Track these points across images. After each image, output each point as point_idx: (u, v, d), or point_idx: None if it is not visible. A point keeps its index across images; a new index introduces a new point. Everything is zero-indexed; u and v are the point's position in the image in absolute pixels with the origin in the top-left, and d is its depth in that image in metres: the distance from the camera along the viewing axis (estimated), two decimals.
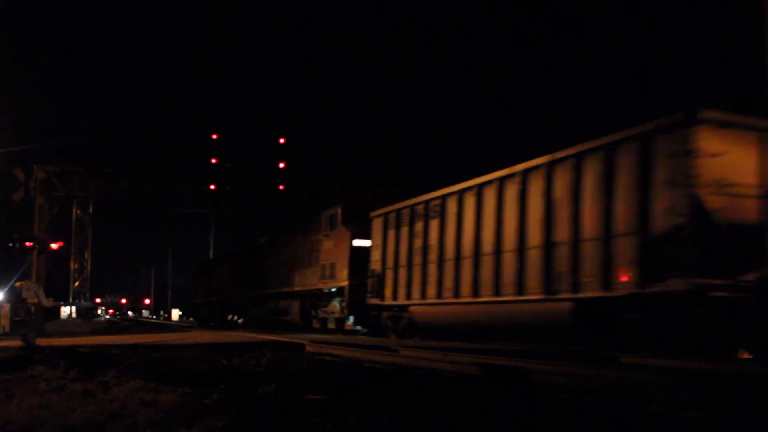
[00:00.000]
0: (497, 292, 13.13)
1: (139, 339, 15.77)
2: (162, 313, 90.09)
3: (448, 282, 14.76)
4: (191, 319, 54.59)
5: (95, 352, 11.21)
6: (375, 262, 18.10)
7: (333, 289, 20.90)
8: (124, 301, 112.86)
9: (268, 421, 4.68)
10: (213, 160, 29.48)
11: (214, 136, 29.03)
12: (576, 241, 11.32)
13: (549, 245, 11.90)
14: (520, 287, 12.50)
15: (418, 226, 16.21)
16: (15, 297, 22.38)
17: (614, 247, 10.54)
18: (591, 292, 10.92)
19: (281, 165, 29.78)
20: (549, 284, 11.81)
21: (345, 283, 19.98)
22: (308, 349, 12.01)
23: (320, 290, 21.75)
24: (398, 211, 17.26)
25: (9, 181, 28.57)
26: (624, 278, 10.34)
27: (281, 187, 30.42)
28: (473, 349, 11.03)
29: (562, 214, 11.71)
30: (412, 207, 16.63)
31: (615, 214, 10.65)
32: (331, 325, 20.94)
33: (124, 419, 4.64)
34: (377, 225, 18.21)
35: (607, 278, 10.62)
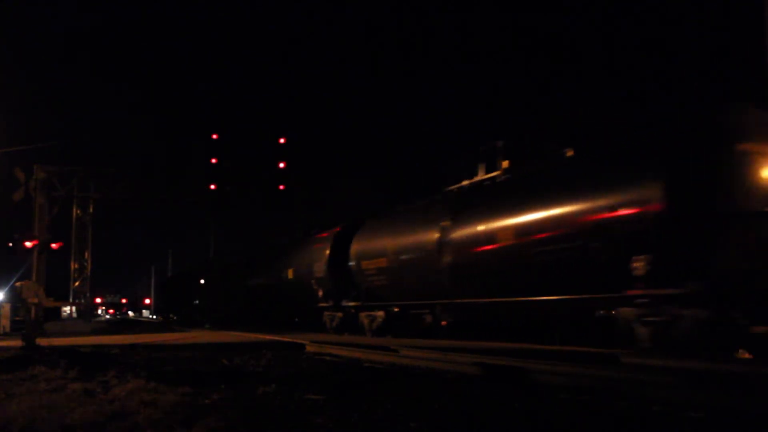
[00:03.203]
0: None
1: (139, 339, 15.77)
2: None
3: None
4: (156, 316, 75.90)
5: (95, 351, 11.23)
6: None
7: (197, 302, 40.61)
8: (124, 301, 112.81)
9: (268, 421, 4.68)
10: (213, 160, 29.37)
11: (214, 136, 28.93)
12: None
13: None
14: None
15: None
16: (15, 297, 22.38)
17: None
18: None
19: (281, 165, 29.67)
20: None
21: (197, 302, 40.53)
22: (308, 349, 12.01)
23: (197, 304, 40.24)
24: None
25: (9, 181, 28.55)
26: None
27: (281, 187, 30.33)
28: (474, 348, 11.02)
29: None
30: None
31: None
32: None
33: (125, 419, 4.64)
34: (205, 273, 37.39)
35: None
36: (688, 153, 9.63)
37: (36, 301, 17.23)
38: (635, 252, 9.70)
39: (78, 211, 34.82)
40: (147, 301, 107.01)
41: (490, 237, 12.96)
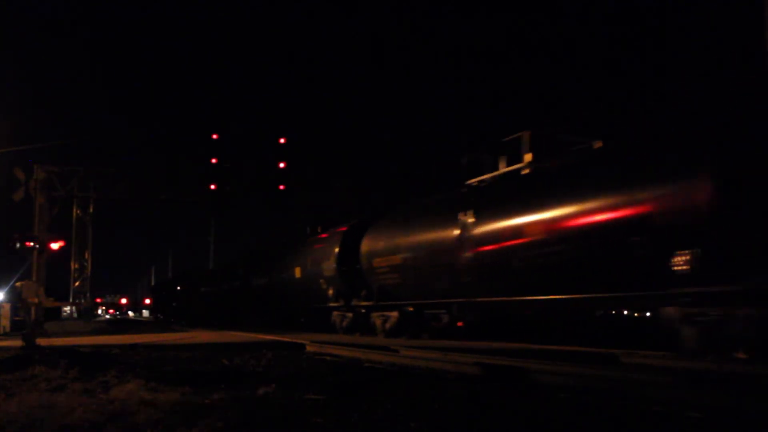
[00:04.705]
0: None
1: (139, 339, 15.77)
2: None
3: None
4: (149, 315, 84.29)
5: (95, 351, 11.22)
6: None
7: (174, 304, 49.86)
8: (124, 301, 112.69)
9: (268, 421, 4.68)
10: (213, 160, 29.35)
11: (214, 136, 28.90)
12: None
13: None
14: None
15: None
16: (15, 297, 22.39)
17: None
18: None
19: (281, 165, 29.65)
20: None
21: (174, 304, 50.10)
22: (309, 349, 12.01)
23: (174, 306, 49.36)
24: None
25: (9, 181, 28.54)
26: None
27: (281, 187, 30.32)
28: (474, 349, 11.03)
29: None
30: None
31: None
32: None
33: (125, 419, 4.64)
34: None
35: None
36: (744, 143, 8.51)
37: (36, 301, 17.26)
38: (680, 247, 8.62)
39: (78, 211, 34.85)
40: (147, 301, 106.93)
41: (518, 232, 11.94)
